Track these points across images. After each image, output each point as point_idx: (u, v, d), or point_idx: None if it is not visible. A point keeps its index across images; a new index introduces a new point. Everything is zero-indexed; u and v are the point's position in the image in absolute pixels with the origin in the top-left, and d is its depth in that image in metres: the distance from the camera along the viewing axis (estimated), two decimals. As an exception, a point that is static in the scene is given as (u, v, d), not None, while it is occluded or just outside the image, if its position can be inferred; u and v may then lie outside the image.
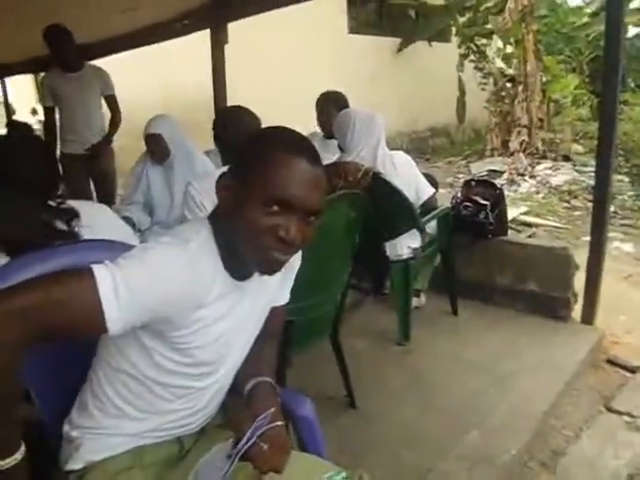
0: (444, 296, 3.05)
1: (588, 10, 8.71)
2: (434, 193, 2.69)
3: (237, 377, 1.18)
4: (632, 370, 2.62)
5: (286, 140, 0.99)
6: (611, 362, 2.72)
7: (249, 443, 0.96)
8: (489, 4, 7.89)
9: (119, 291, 0.87)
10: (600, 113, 2.85)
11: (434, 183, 2.87)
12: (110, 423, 1.08)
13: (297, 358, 2.14)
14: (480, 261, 3.13)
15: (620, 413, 2.28)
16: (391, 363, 2.59)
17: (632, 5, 8.78)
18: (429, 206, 2.66)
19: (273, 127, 1.04)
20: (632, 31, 9.34)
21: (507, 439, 2.02)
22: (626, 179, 5.82)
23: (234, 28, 4.10)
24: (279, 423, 1.04)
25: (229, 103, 4.02)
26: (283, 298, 1.24)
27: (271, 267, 1.00)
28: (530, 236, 4.77)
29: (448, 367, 2.53)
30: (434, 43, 8.83)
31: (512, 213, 5.01)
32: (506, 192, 5.99)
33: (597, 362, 2.71)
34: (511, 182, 6.51)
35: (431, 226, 2.76)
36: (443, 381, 2.42)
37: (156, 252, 0.95)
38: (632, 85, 8.92)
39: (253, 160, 0.97)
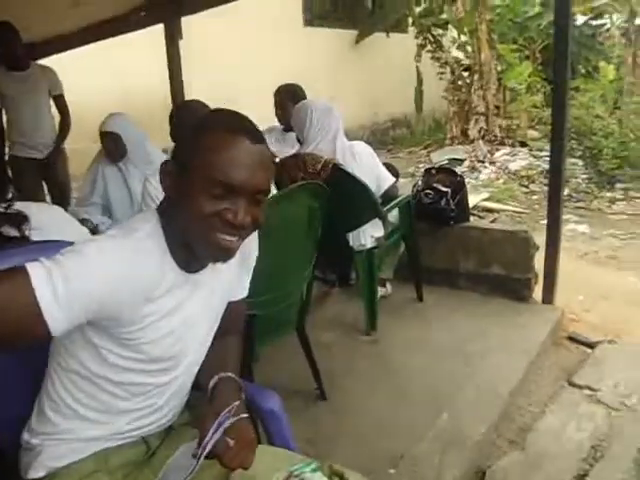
0: (409, 284, 3.07)
1: (538, 0, 8.91)
2: (395, 182, 2.71)
3: (201, 374, 1.16)
4: (591, 346, 2.70)
5: (224, 121, 0.96)
6: (571, 339, 2.80)
7: (214, 439, 0.93)
8: (443, -6, 7.98)
9: (57, 289, 0.83)
10: (552, 99, 2.92)
11: (394, 172, 2.89)
12: (68, 427, 1.04)
13: (264, 352, 2.13)
14: (443, 247, 3.17)
15: (581, 387, 2.36)
16: (360, 353, 2.60)
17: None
18: (390, 195, 2.67)
19: (212, 110, 1.02)
20: (580, 19, 9.61)
21: (477, 420, 2.07)
22: (579, 162, 5.99)
23: (188, 23, 4.04)
24: (244, 416, 1.01)
25: (186, 98, 3.96)
26: (241, 292, 1.21)
27: (223, 253, 0.97)
28: (492, 221, 4.86)
29: (416, 353, 2.55)
30: (391, 34, 8.87)
31: (474, 200, 5.10)
32: (467, 179, 6.12)
33: (558, 340, 2.79)
34: (472, 169, 6.61)
35: (393, 215, 2.78)
36: (412, 367, 2.44)
37: (96, 245, 0.91)
38: (582, 72, 9.15)
39: (193, 144, 0.94)
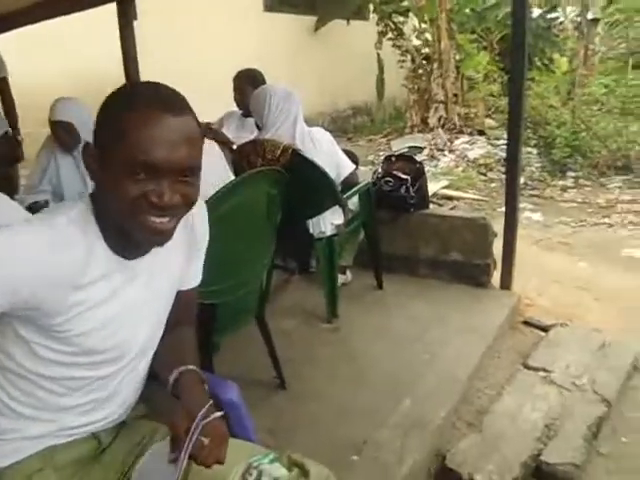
0: (369, 271, 3.08)
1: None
2: (355, 169, 2.69)
3: (157, 366, 1.12)
4: (545, 329, 2.78)
5: (141, 96, 0.90)
6: (527, 323, 2.88)
7: (192, 443, 0.90)
8: (404, -19, 8.00)
9: None
10: (509, 90, 2.96)
11: (354, 159, 2.87)
12: (11, 427, 0.99)
13: (224, 342, 2.10)
14: (403, 234, 3.19)
15: (536, 369, 2.42)
16: (321, 341, 2.59)
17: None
18: (350, 182, 2.66)
19: (129, 85, 0.96)
20: (537, 12, 9.80)
21: (437, 404, 2.10)
22: (534, 151, 6.14)
23: (144, 2, 3.90)
24: (217, 414, 0.98)
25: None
26: (192, 280, 1.16)
27: (155, 236, 0.92)
28: (452, 209, 4.93)
29: (377, 340, 2.56)
30: (352, 21, 8.83)
31: (433, 187, 5.16)
32: (427, 167, 6.17)
33: (515, 324, 2.87)
34: (431, 157, 6.68)
35: (353, 202, 2.77)
36: (373, 354, 2.45)
37: (11, 232, 0.86)
38: (538, 63, 9.36)
39: (111, 125, 0.89)
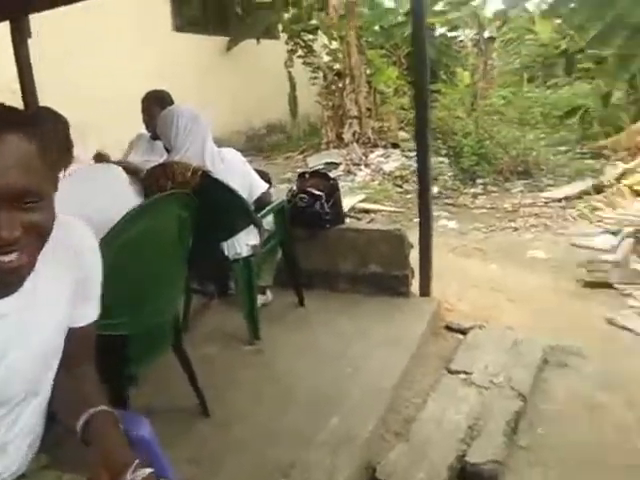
0: (290, 289, 3.06)
1: (402, 11, 9.47)
2: (268, 188, 2.68)
3: (59, 411, 1.04)
4: (464, 332, 2.88)
5: None
6: (448, 328, 2.96)
7: None
8: (312, 0, 8.16)
9: None
10: (414, 102, 3.07)
11: (267, 178, 2.86)
12: None
13: (143, 373, 2.01)
14: (321, 251, 3.20)
15: (457, 372, 2.49)
16: (243, 364, 2.54)
17: (437, 7, 9.73)
18: (264, 202, 2.64)
19: None
20: (440, 30, 10.38)
21: (364, 418, 2.10)
22: (446, 160, 6.41)
23: (42, 20, 3.72)
24: (147, 472, 0.90)
25: (42, 104, 3.65)
26: (85, 317, 1.07)
27: (6, 275, 0.81)
28: (369, 222, 5.03)
29: (302, 359, 2.54)
30: (263, 40, 8.89)
31: (350, 202, 5.25)
32: (344, 182, 6.31)
33: (436, 330, 2.94)
34: (348, 172, 6.81)
35: (268, 221, 2.76)
36: (297, 373, 2.42)
37: None
38: (444, 77, 9.88)
39: None
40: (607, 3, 7.08)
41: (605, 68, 8.11)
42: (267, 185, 2.69)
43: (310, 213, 3.05)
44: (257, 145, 8.93)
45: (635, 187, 5.26)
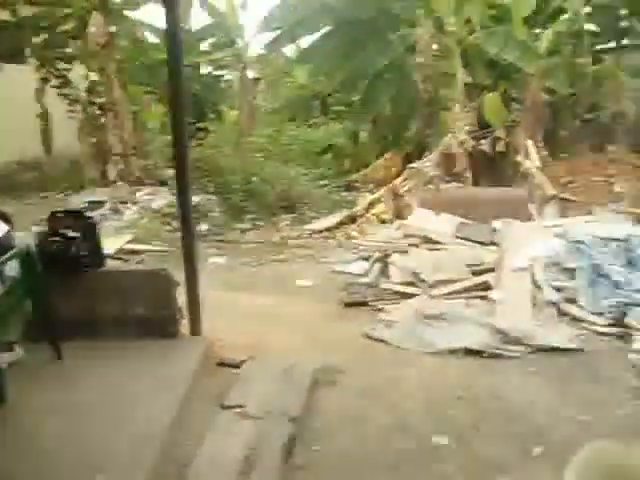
0: (45, 342, 2.76)
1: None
2: (7, 231, 2.39)
3: None
4: (237, 366, 2.92)
5: None
6: (221, 364, 2.97)
7: None
8: (67, 27, 7.62)
9: None
10: (173, 143, 3.06)
11: (7, 219, 2.55)
12: None
13: None
14: (81, 296, 2.96)
15: (232, 407, 2.51)
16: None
17: (202, 47, 9.98)
18: (4, 246, 2.35)
19: None
20: (207, 69, 10.66)
21: (133, 471, 1.98)
22: (214, 197, 6.52)
23: None
24: None
25: None
26: None
27: None
28: (139, 263, 4.82)
29: (61, 418, 2.31)
30: (8, 65, 7.93)
31: (117, 243, 5.00)
32: (110, 221, 5.97)
33: (209, 367, 2.92)
34: (115, 211, 6.50)
35: (12, 268, 2.44)
36: (56, 435, 2.20)
37: None
38: (211, 115, 10.13)
39: None
40: (349, 54, 8.10)
41: (352, 110, 9.24)
42: (7, 227, 2.39)
43: (65, 257, 2.79)
44: (8, 184, 7.90)
45: (381, 215, 6.00)
